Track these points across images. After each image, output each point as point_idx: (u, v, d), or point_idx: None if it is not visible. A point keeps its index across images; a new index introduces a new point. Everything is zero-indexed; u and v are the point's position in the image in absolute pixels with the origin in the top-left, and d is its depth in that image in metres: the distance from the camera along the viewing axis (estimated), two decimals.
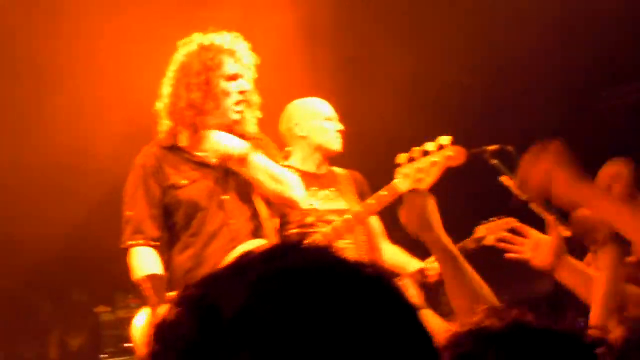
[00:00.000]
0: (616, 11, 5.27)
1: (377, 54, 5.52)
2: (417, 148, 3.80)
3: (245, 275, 0.97)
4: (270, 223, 3.90)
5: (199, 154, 3.84)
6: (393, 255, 4.41)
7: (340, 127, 4.36)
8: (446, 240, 2.61)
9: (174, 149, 3.86)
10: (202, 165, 3.84)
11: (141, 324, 3.72)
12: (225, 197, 3.80)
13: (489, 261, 3.62)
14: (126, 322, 5.41)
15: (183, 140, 3.86)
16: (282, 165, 4.18)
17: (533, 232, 2.97)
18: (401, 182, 3.79)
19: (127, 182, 3.84)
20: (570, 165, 2.35)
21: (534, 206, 3.97)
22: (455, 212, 4.21)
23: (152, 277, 3.69)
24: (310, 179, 4.34)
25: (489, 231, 4.24)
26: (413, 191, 2.78)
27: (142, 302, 3.76)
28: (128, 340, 4.08)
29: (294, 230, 4.16)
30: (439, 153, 3.78)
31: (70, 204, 5.42)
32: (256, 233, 3.82)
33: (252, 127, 3.90)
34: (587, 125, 5.40)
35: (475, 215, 4.37)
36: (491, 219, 4.29)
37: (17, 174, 5.32)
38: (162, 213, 3.79)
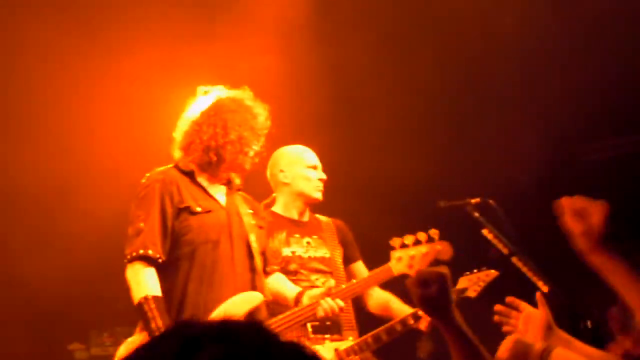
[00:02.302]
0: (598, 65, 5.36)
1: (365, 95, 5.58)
2: (410, 236, 4.10)
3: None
4: (261, 275, 3.88)
5: (209, 190, 3.85)
6: (384, 302, 4.44)
7: (323, 176, 4.41)
8: (461, 320, 2.50)
9: (190, 175, 3.83)
10: (213, 199, 3.82)
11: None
12: (234, 238, 3.78)
13: (471, 313, 3.66)
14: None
15: (200, 178, 3.85)
16: (266, 212, 4.23)
17: (526, 306, 3.05)
18: (395, 266, 4.07)
19: (141, 195, 3.71)
20: (605, 232, 2.37)
21: (515, 260, 4.02)
22: (437, 264, 4.25)
23: (157, 300, 3.50)
24: (293, 226, 4.39)
25: (471, 283, 4.28)
26: (429, 272, 2.67)
27: (132, 330, 3.63)
28: None
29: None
30: (429, 245, 4.10)
31: (49, 243, 5.38)
32: (252, 284, 3.78)
33: (239, 182, 3.98)
34: (567, 178, 5.46)
35: (457, 267, 4.39)
36: (473, 270, 4.32)
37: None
38: (172, 234, 3.67)
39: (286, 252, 4.30)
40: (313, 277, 4.29)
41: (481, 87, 5.56)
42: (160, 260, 3.60)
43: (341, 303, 3.86)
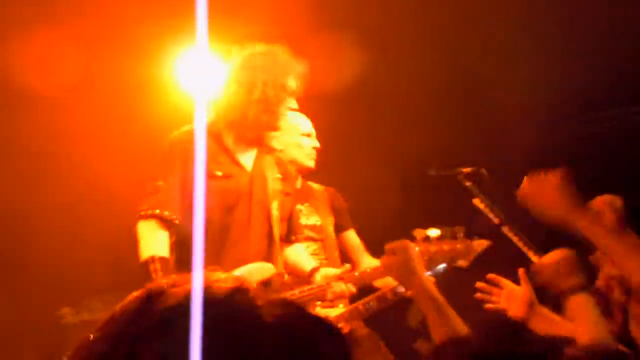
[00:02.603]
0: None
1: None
2: (434, 229, 3.88)
3: None
4: (278, 246, 3.78)
5: (236, 153, 3.74)
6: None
7: (316, 144, 4.36)
8: (430, 286, 2.69)
9: (214, 135, 3.70)
10: (238, 165, 3.72)
11: None
12: (253, 204, 3.68)
13: (462, 281, 3.67)
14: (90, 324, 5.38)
15: (227, 139, 3.75)
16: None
17: (507, 283, 3.08)
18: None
19: (163, 154, 3.62)
20: (572, 192, 2.46)
21: (505, 230, 4.03)
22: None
23: (163, 261, 3.41)
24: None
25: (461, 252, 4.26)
26: (395, 244, 2.85)
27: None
28: None
29: None
30: (451, 242, 3.80)
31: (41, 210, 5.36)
32: (268, 253, 3.69)
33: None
34: (560, 149, 5.46)
35: None
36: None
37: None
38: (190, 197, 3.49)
39: None
40: (305, 244, 4.27)
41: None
42: (176, 222, 3.50)
43: (353, 289, 3.77)
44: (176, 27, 4.83)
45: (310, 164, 4.36)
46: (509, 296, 3.05)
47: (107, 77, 5.26)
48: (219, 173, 3.63)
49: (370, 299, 4.12)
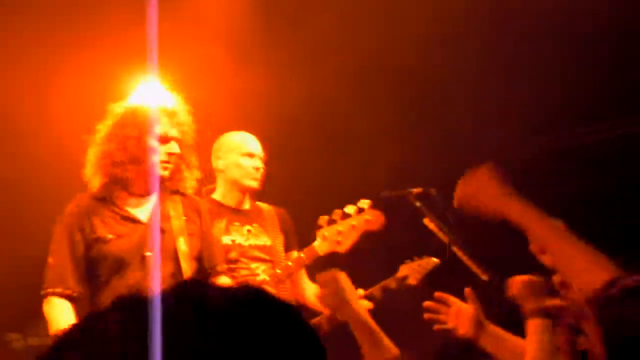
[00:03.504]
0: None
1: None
2: (338, 210, 4.10)
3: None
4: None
5: (128, 209, 3.83)
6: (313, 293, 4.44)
7: (259, 165, 4.37)
8: (364, 314, 2.76)
9: (104, 201, 3.83)
10: (130, 220, 3.81)
11: None
12: (148, 253, 3.75)
13: (412, 300, 3.70)
14: (37, 350, 5.29)
15: (114, 194, 3.84)
16: (206, 199, 4.20)
17: (455, 301, 3.06)
18: (320, 245, 4.11)
19: (54, 229, 3.81)
20: (502, 183, 2.49)
21: (455, 249, 4.07)
22: (379, 253, 4.29)
23: None
24: (233, 214, 4.36)
25: (412, 270, 4.30)
26: (325, 275, 2.93)
27: None
28: None
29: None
30: (358, 217, 4.11)
31: None
32: None
33: (188, 186, 3.93)
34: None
35: (398, 255, 4.42)
36: (414, 258, 4.35)
37: None
38: (86, 266, 3.74)
39: (226, 240, 4.26)
40: (253, 265, 4.27)
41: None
42: (74, 295, 3.70)
43: None
44: (128, 57, 4.83)
45: (252, 183, 4.36)
46: (457, 315, 3.03)
47: (60, 104, 5.22)
48: (110, 236, 3.76)
49: (372, 289, 4.16)
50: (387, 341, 2.70)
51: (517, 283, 2.80)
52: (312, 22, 5.34)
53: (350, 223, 4.10)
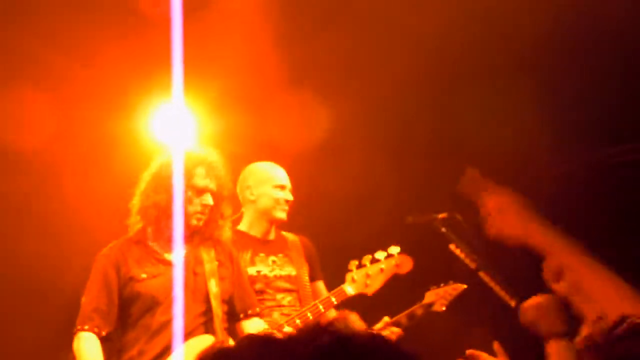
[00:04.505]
0: None
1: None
2: (368, 256, 4.20)
3: None
4: (220, 319, 3.93)
5: (162, 252, 3.95)
6: None
7: (289, 197, 4.39)
8: None
9: (140, 243, 3.96)
10: (163, 262, 3.93)
11: None
12: (186, 289, 3.87)
13: (439, 327, 3.70)
14: None
15: (150, 238, 3.97)
16: (232, 229, 4.25)
17: (485, 357, 3.04)
18: (348, 287, 4.17)
19: (91, 270, 3.94)
20: (523, 208, 2.48)
21: (482, 274, 4.06)
22: (405, 279, 4.28)
23: None
24: (258, 245, 4.37)
25: (438, 297, 4.29)
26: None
27: None
28: None
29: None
30: (386, 261, 4.21)
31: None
32: (206, 328, 3.87)
33: (222, 234, 4.04)
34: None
35: (424, 281, 4.42)
36: (440, 284, 4.35)
37: None
38: (119, 305, 3.87)
39: (251, 271, 4.26)
40: (279, 296, 4.27)
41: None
42: (102, 333, 3.84)
43: None
44: (153, 82, 4.89)
45: (281, 215, 4.38)
46: None
47: (84, 132, 5.29)
48: (144, 275, 3.90)
49: (400, 316, 4.19)
50: None
51: (530, 308, 2.79)
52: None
53: (379, 267, 4.19)
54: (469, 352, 3.04)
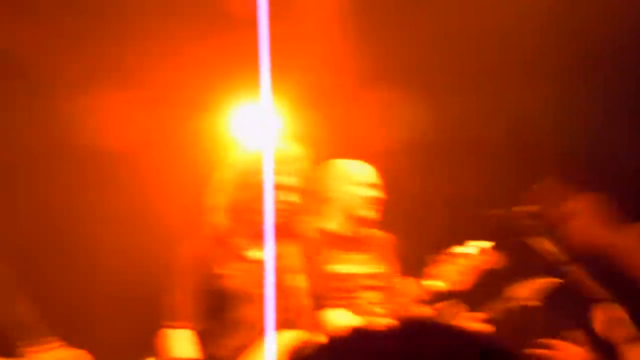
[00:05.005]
0: None
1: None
2: (458, 251, 4.20)
3: None
4: (305, 314, 3.98)
5: (244, 248, 3.98)
6: None
7: (374, 194, 4.39)
8: None
9: (223, 240, 3.99)
10: (246, 259, 3.96)
11: None
12: (261, 290, 3.88)
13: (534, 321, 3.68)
14: None
15: (232, 235, 4.00)
16: (317, 229, 4.28)
17: (565, 345, 3.01)
18: (440, 283, 4.18)
19: (176, 266, 3.97)
20: (604, 214, 2.45)
21: (572, 269, 4.02)
22: (494, 274, 4.26)
23: None
24: (346, 243, 4.39)
25: (530, 291, 4.26)
26: None
27: None
28: None
29: (334, 298, 4.18)
30: (478, 256, 4.22)
31: None
32: (291, 323, 3.91)
33: (304, 229, 4.08)
34: None
35: (512, 275, 4.40)
36: (529, 278, 4.32)
37: None
38: (203, 302, 3.90)
39: (339, 270, 4.29)
40: (368, 294, 4.29)
41: None
42: (191, 330, 3.86)
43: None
44: (237, 81, 4.95)
45: (363, 212, 4.38)
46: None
47: (169, 132, 5.39)
48: (227, 272, 3.92)
49: None
50: None
51: (598, 317, 2.75)
52: None
53: (470, 262, 4.20)
54: (545, 341, 3.02)
